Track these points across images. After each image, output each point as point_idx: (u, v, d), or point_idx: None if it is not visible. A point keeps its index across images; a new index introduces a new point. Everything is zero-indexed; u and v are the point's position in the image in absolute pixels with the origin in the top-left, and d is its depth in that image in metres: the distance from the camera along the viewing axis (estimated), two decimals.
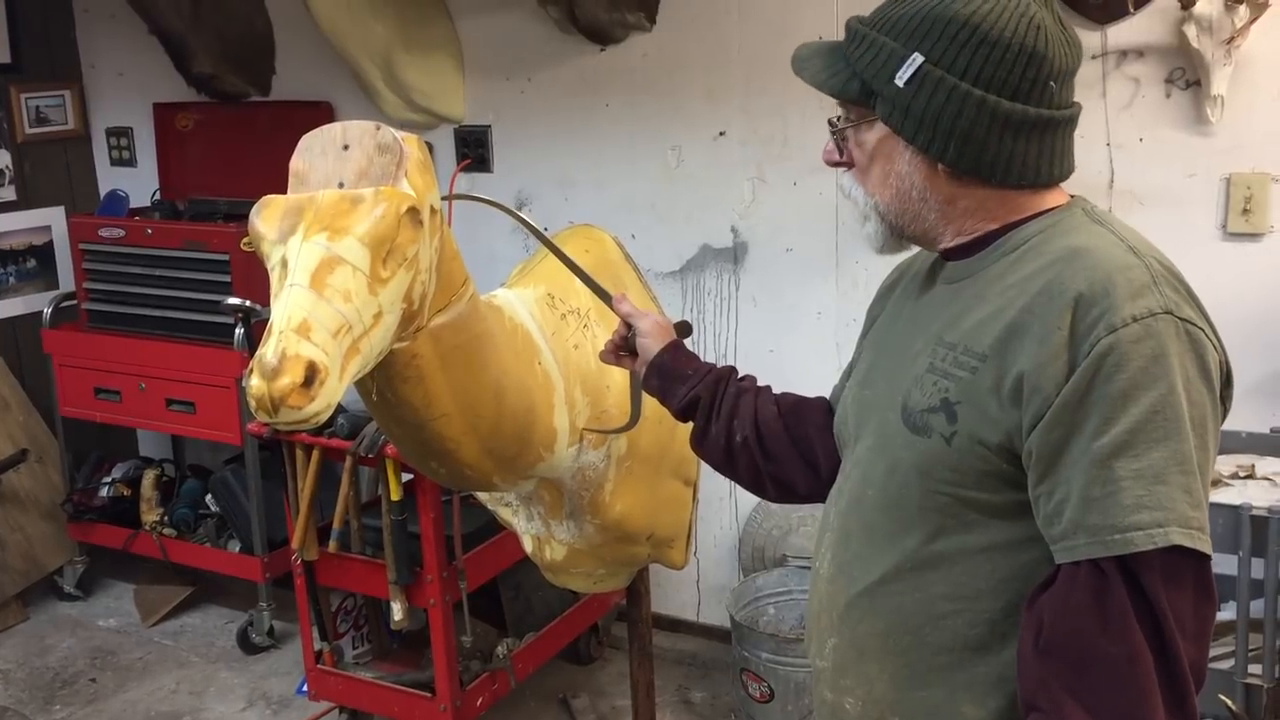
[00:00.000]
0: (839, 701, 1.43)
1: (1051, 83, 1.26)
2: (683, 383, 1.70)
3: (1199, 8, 2.56)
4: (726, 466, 1.71)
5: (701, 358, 1.77)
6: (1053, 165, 1.31)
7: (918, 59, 1.26)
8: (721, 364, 1.75)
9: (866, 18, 1.34)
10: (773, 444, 1.65)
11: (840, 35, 1.38)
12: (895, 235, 1.38)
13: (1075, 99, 1.33)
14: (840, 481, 1.46)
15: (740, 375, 1.72)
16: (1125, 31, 2.76)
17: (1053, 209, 1.32)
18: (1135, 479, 1.15)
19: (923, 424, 1.29)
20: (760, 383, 1.74)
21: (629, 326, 1.78)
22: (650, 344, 1.74)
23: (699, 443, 1.73)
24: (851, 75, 1.32)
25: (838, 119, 1.38)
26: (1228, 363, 1.25)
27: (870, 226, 1.39)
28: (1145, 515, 1.14)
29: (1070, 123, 1.31)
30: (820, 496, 1.60)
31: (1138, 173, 2.81)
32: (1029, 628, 1.22)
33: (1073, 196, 1.35)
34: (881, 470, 1.35)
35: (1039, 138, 1.28)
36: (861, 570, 1.37)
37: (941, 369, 1.29)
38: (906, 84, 1.27)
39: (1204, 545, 1.16)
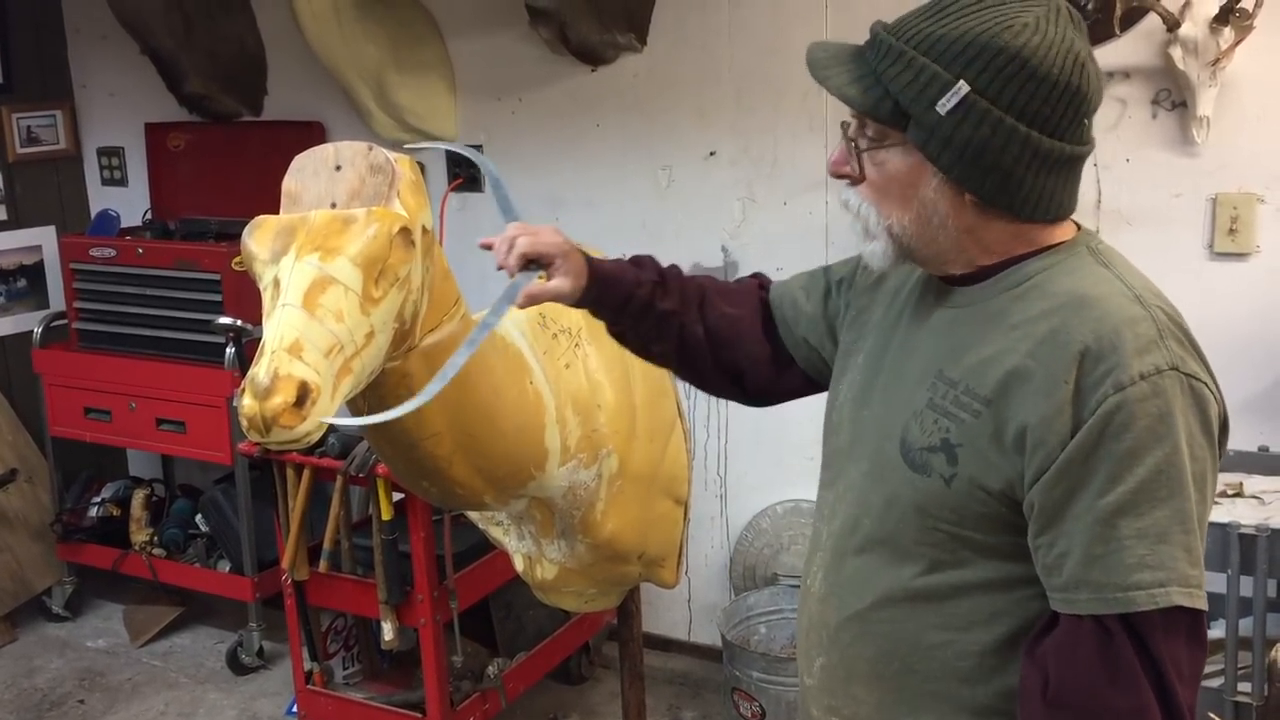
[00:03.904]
0: None
1: (1086, 120, 1.24)
2: (614, 301, 1.57)
3: (1184, 30, 2.58)
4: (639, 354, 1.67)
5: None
6: (1072, 200, 1.29)
7: (963, 88, 1.20)
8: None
9: (899, 30, 1.25)
10: (695, 361, 1.62)
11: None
12: (902, 256, 1.32)
13: None
14: (831, 499, 1.44)
15: (665, 285, 1.58)
16: (1112, 53, 2.78)
17: (1058, 244, 1.29)
18: (1138, 538, 1.16)
19: (922, 462, 1.28)
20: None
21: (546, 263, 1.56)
22: (568, 284, 1.53)
23: (613, 336, 1.64)
24: (884, 94, 1.24)
25: (850, 127, 1.31)
26: (1225, 410, 1.25)
27: (877, 246, 1.32)
28: (1147, 575, 1.15)
29: (1087, 157, 1.29)
30: (741, 401, 1.67)
31: (1125, 193, 2.83)
32: (1033, 678, 1.23)
33: (1079, 229, 1.33)
34: (879, 502, 1.34)
35: (1067, 174, 1.26)
36: (854, 595, 1.37)
37: (942, 407, 1.28)
38: (949, 113, 1.20)
39: (1201, 602, 1.18)
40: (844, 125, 1.33)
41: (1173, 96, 2.75)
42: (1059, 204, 1.27)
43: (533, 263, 1.49)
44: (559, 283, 1.49)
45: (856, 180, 1.31)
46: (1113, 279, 1.25)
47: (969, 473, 1.25)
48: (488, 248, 1.56)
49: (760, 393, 1.67)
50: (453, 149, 1.93)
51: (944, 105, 1.20)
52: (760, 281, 1.69)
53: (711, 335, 1.60)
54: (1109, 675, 1.17)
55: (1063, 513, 1.19)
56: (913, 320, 1.39)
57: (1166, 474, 1.16)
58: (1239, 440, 2.69)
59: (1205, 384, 1.20)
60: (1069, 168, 1.26)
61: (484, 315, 1.52)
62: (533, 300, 1.49)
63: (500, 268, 1.51)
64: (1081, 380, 1.17)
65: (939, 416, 1.28)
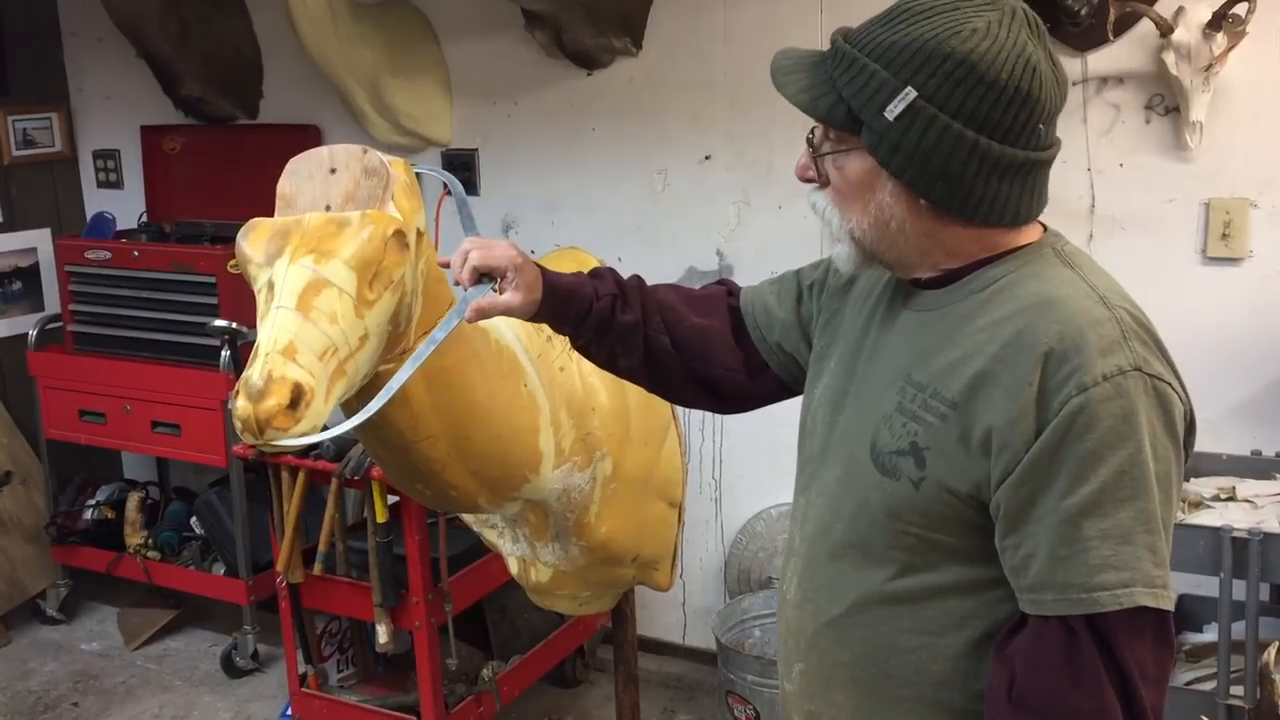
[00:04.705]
0: None
1: (1040, 125, 1.23)
2: (572, 315, 1.57)
3: (1178, 35, 2.59)
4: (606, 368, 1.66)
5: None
6: (1032, 205, 1.28)
7: (910, 93, 1.21)
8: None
9: (854, 35, 1.27)
10: (665, 373, 1.62)
11: None
12: (868, 260, 1.34)
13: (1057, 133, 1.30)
14: (804, 504, 1.45)
15: (625, 298, 1.58)
16: (1105, 59, 2.79)
17: (1024, 246, 1.30)
18: (1102, 539, 1.16)
19: (891, 466, 1.29)
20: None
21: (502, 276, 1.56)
22: (519, 297, 1.52)
23: (577, 349, 1.64)
24: (837, 100, 1.26)
25: (815, 134, 1.34)
26: (1192, 411, 1.25)
27: (842, 249, 1.34)
28: (1111, 575, 1.16)
29: (1050, 162, 1.28)
30: (714, 409, 1.68)
31: (1118, 198, 2.84)
32: (1000, 677, 1.24)
33: (1045, 230, 1.34)
34: (850, 507, 1.35)
35: (1023, 179, 1.25)
36: (828, 601, 1.38)
37: (910, 410, 1.28)
38: (897, 119, 1.21)
39: (1166, 603, 1.18)
40: (809, 139, 1.35)
41: (1166, 102, 2.75)
42: (1016, 209, 1.27)
43: (485, 276, 1.49)
44: (510, 296, 1.49)
45: (822, 184, 1.34)
46: (1077, 280, 1.26)
47: (937, 476, 1.25)
48: (446, 265, 1.56)
49: (734, 400, 1.67)
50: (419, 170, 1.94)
51: (892, 110, 1.22)
52: (728, 289, 1.69)
53: (681, 346, 1.60)
54: (1072, 676, 1.18)
55: (1028, 514, 1.19)
56: (882, 324, 1.40)
57: (1130, 474, 1.16)
58: (1231, 444, 2.70)
59: (1169, 384, 1.20)
60: (1025, 173, 1.25)
61: (433, 330, 1.52)
62: (482, 314, 1.49)
63: (456, 283, 1.52)
64: (1045, 382, 1.18)
65: (907, 420, 1.28)
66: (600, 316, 1.55)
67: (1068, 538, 1.17)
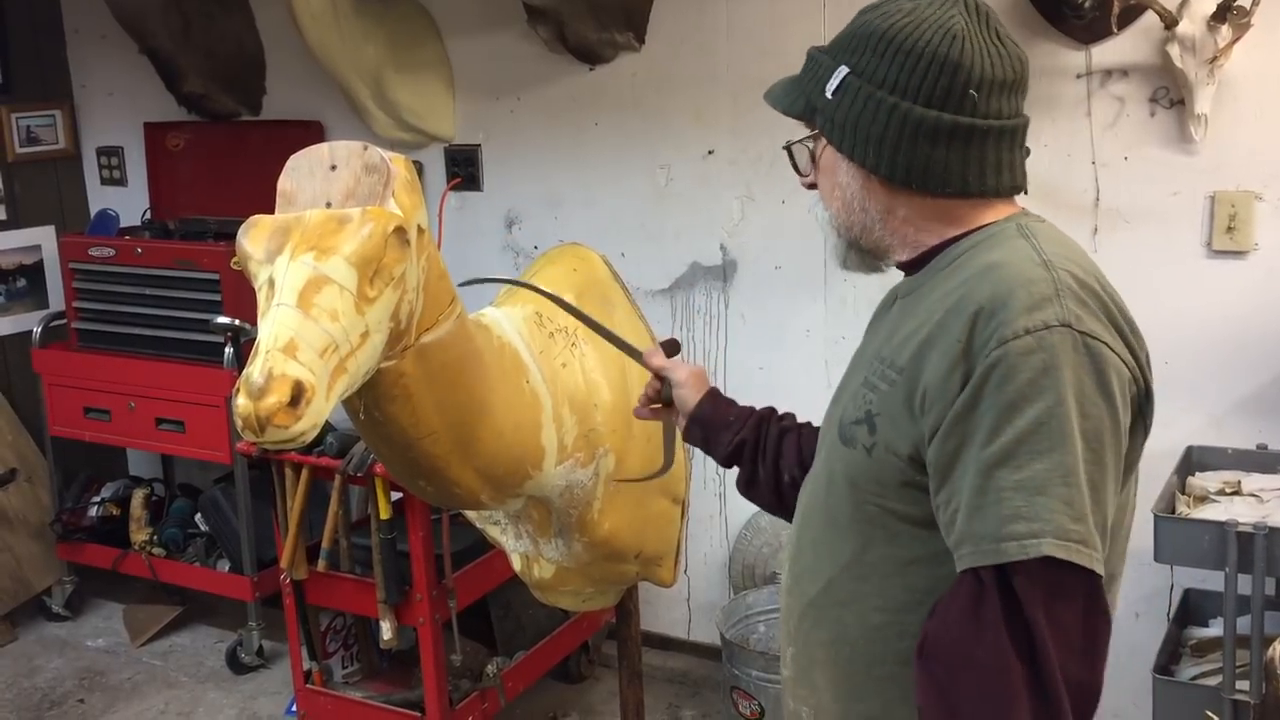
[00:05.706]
0: (798, 710, 1.47)
1: (972, 91, 1.27)
2: (725, 429, 1.72)
3: (1182, 28, 2.58)
4: (778, 508, 1.71)
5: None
6: (984, 176, 1.30)
7: (843, 70, 1.33)
8: (733, 395, 1.77)
9: (824, 45, 1.40)
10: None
11: None
12: (852, 249, 1.41)
13: (1024, 111, 1.33)
14: (799, 494, 1.50)
15: (780, 414, 1.74)
16: (1110, 51, 2.78)
17: (990, 224, 1.33)
18: (1016, 490, 1.16)
19: (850, 436, 1.33)
20: (762, 405, 1.76)
21: (662, 379, 1.79)
22: (688, 395, 1.75)
23: (747, 488, 1.74)
24: (799, 94, 1.39)
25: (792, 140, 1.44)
26: (1144, 377, 1.25)
27: (833, 242, 1.43)
28: (1020, 525, 1.15)
29: (1005, 134, 1.30)
30: None
31: (1123, 191, 2.82)
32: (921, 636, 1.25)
33: (1021, 210, 1.36)
34: (824, 483, 1.39)
35: (962, 146, 1.29)
36: (809, 582, 1.41)
37: (871, 383, 1.33)
38: (834, 94, 1.33)
39: (1082, 558, 1.16)
40: (787, 142, 1.46)
41: (1171, 94, 2.74)
42: (963, 178, 1.30)
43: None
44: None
45: (812, 185, 1.43)
46: (1027, 249, 1.27)
47: (884, 440, 1.28)
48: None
49: None
50: (570, 307, 2.07)
51: (830, 88, 1.34)
52: None
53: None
54: (975, 629, 1.17)
55: (952, 468, 1.20)
56: (877, 317, 1.46)
57: (1048, 426, 1.16)
58: (1236, 438, 2.70)
59: (1105, 343, 1.20)
60: (964, 140, 1.29)
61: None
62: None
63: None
64: (972, 338, 1.20)
65: (867, 391, 1.33)
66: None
67: (983, 488, 1.17)
